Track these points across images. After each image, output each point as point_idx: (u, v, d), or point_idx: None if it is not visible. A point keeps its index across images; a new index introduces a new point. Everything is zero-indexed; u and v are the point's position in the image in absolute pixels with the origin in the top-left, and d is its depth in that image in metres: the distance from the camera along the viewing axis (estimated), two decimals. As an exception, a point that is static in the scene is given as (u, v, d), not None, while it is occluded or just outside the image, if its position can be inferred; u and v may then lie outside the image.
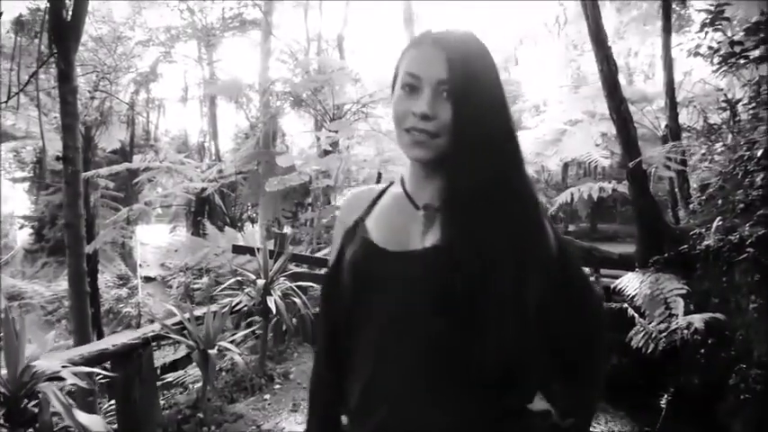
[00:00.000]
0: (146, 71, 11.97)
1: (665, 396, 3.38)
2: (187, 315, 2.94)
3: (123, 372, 2.45)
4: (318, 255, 6.57)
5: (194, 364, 5.01)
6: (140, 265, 15.95)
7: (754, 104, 6.78)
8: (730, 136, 6.97)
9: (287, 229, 11.25)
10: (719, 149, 7.04)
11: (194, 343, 2.87)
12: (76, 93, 5.13)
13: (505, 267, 0.74)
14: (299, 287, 3.79)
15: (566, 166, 15.02)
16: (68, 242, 5.39)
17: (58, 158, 5.51)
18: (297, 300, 3.62)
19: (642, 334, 3.86)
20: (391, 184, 0.97)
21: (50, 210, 14.82)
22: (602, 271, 5.68)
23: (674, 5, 8.23)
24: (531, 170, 12.85)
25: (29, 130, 10.47)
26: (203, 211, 13.88)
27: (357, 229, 0.90)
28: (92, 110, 9.56)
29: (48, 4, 4.96)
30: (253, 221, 13.62)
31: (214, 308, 3.04)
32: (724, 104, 7.80)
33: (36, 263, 15.35)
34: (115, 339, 2.50)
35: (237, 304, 3.41)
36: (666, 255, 4.17)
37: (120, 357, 2.47)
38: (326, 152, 7.54)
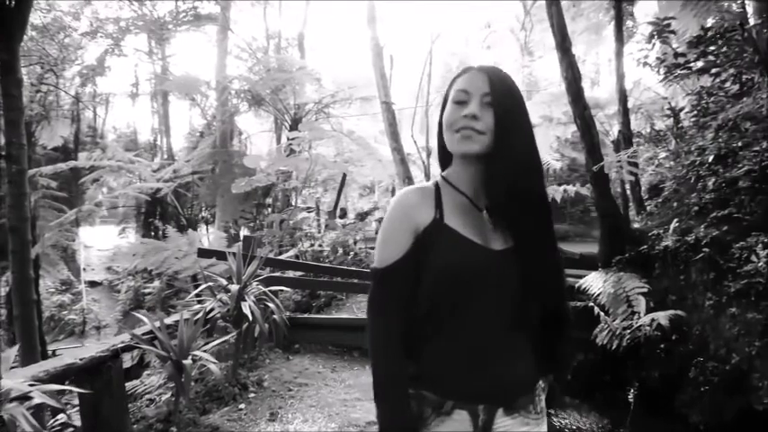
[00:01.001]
0: (93, 64, 11.26)
1: (632, 391, 3.53)
2: (158, 323, 2.78)
3: (92, 387, 2.28)
4: (283, 257, 6.43)
5: (148, 372, 4.79)
6: (84, 270, 15.06)
7: (695, 113, 7.27)
8: (674, 142, 7.44)
9: (245, 231, 10.94)
10: (664, 155, 7.50)
11: (166, 353, 2.72)
12: (21, 85, 4.75)
13: (555, 265, 1.08)
14: (271, 292, 3.69)
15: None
16: (13, 246, 4.98)
17: (1, 156, 5.07)
18: (271, 304, 3.51)
19: (606, 331, 4.03)
20: (437, 183, 1.11)
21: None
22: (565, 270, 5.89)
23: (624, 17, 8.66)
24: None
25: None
26: (155, 213, 13.26)
27: (441, 227, 1.03)
28: (35, 104, 8.90)
29: (-11, -11, 4.58)
30: (208, 223, 13.15)
31: (186, 315, 2.89)
32: (668, 112, 8.30)
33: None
34: (82, 352, 2.32)
35: (210, 311, 3.25)
36: (627, 255, 4.38)
37: (88, 372, 2.29)
38: (292, 151, 7.38)
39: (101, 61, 11.25)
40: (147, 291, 12.15)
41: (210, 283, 3.39)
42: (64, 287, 14.17)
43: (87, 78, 11.57)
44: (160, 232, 11.35)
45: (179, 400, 2.85)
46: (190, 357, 2.75)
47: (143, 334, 2.77)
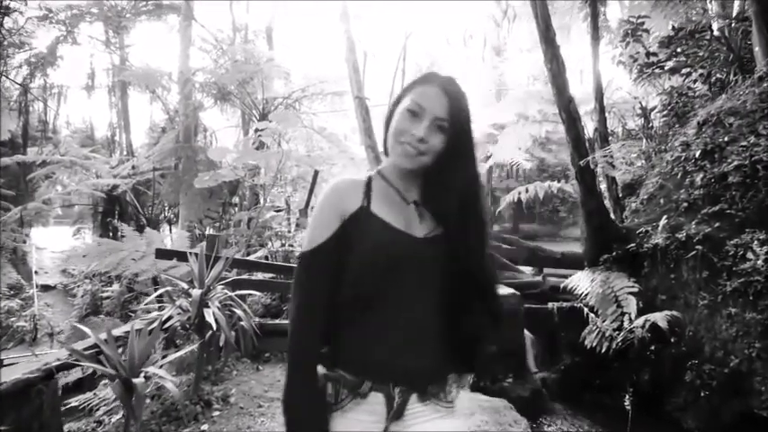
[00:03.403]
0: (42, 52, 10.45)
1: (627, 396, 3.35)
2: (104, 336, 2.38)
3: (17, 416, 1.88)
4: (252, 258, 6.02)
5: (105, 382, 4.30)
6: (36, 273, 14.09)
7: (665, 112, 7.27)
8: (644, 141, 7.44)
9: (209, 231, 10.37)
10: (635, 154, 7.48)
11: (114, 371, 2.33)
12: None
13: (479, 250, 1.10)
14: (238, 296, 3.32)
15: (490, 168, 15.48)
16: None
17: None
18: (238, 310, 3.14)
19: (596, 333, 3.85)
20: (370, 177, 1.15)
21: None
22: (546, 270, 5.74)
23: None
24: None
25: None
26: (113, 212, 12.49)
27: (366, 214, 1.08)
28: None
29: None
30: (171, 223, 12.48)
31: (139, 325, 2.50)
32: (640, 112, 8.31)
33: None
34: (3, 375, 1.92)
35: (168, 319, 2.86)
36: (615, 253, 4.22)
37: (12, 398, 1.89)
38: (261, 144, 6.96)
39: (51, 50, 10.45)
40: (105, 295, 11.41)
41: (169, 288, 2.99)
42: (12, 292, 13.20)
43: (36, 67, 10.73)
44: (119, 233, 10.66)
45: (129, 425, 2.46)
46: (142, 375, 2.37)
47: (87, 348, 2.37)
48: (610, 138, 7.36)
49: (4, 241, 9.52)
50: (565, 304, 4.64)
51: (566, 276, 4.79)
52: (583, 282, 4.28)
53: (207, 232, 10.41)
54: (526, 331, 4.63)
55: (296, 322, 1.08)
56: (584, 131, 4.76)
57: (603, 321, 3.91)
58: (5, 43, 8.38)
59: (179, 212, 10.59)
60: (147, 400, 3.21)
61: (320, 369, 1.07)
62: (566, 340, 4.57)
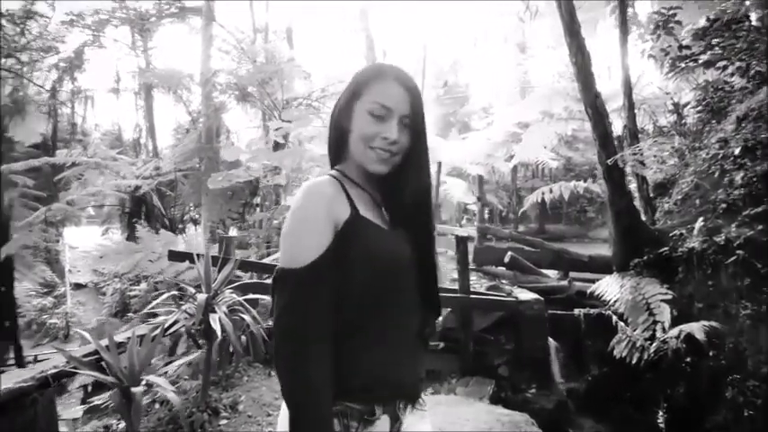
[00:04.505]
0: (70, 56, 10.68)
1: (660, 412, 3.11)
2: (105, 342, 2.30)
3: (11, 426, 1.81)
4: (267, 260, 5.95)
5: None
6: (70, 271, 14.46)
7: (700, 108, 6.88)
8: (677, 138, 7.06)
9: (233, 232, 10.40)
10: (667, 152, 7.10)
11: (116, 379, 2.25)
12: (-29, 69, 4.24)
13: (433, 247, 1.12)
14: (248, 300, 3.21)
15: (515, 167, 15.11)
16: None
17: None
18: (246, 316, 3.04)
19: (625, 343, 3.61)
20: (338, 179, 1.04)
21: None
22: (572, 274, 5.48)
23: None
24: (482, 171, 12.80)
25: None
26: (139, 212, 12.70)
27: (362, 220, 0.99)
28: (2, 96, 8.33)
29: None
30: (196, 223, 12.61)
31: (141, 330, 2.42)
32: (672, 107, 7.90)
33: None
34: (2, 382, 1.85)
35: (174, 324, 2.78)
36: (646, 257, 3.96)
37: (5, 408, 1.82)
38: (277, 146, 6.89)
39: (78, 53, 10.66)
40: (132, 294, 11.61)
41: (174, 292, 2.91)
42: (46, 290, 13.56)
43: (64, 71, 10.97)
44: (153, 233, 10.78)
45: (131, 434, 2.37)
46: (143, 383, 2.28)
47: (86, 355, 2.29)
48: (640, 135, 7.02)
49: (36, 241, 9.72)
50: (592, 311, 4.41)
51: (593, 281, 4.56)
52: (611, 287, 4.03)
53: (230, 233, 10.46)
54: (550, 339, 4.42)
55: (298, 359, 0.89)
56: (611, 128, 4.50)
57: (634, 330, 3.66)
58: (36, 48, 8.57)
59: (201, 213, 10.66)
60: (157, 405, 3.15)
61: None
62: (593, 349, 4.33)
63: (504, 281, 5.31)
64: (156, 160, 10.52)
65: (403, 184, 1.05)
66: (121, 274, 8.51)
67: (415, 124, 1.03)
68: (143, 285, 10.85)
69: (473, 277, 5.28)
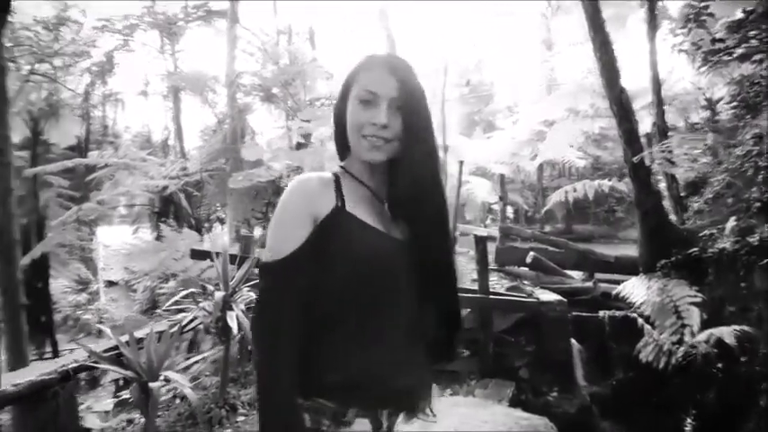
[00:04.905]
0: (101, 61, 11.05)
1: (689, 419, 2.99)
2: (125, 338, 2.35)
3: (33, 418, 1.86)
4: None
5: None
6: (102, 269, 14.92)
7: (735, 103, 6.60)
8: (711, 135, 6.78)
9: (258, 231, 10.55)
10: (700, 149, 6.82)
11: (135, 374, 2.30)
12: (4, 74, 4.42)
13: (449, 254, 1.07)
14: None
15: (541, 166, 14.84)
16: (-1, 247, 4.67)
17: (-16, 150, 4.75)
18: (264, 314, 3.06)
19: (652, 346, 3.49)
20: (335, 174, 1.02)
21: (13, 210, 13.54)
22: (598, 275, 5.34)
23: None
24: (506, 170, 12.62)
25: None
26: (167, 212, 13.02)
27: (342, 215, 0.95)
28: (39, 100, 8.66)
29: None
30: (222, 222, 12.85)
31: (160, 327, 2.46)
32: (705, 104, 7.61)
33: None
34: (21, 376, 1.91)
35: (192, 321, 2.83)
36: (674, 258, 3.82)
37: (27, 400, 1.87)
38: (300, 145, 6.95)
39: (109, 58, 11.01)
40: (161, 291, 11.91)
41: (194, 290, 2.96)
42: (80, 287, 14.04)
43: (96, 76, 11.34)
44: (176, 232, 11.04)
45: (151, 427, 2.42)
46: (161, 378, 2.32)
47: (105, 350, 2.35)
48: (670, 132, 6.79)
49: (71, 239, 10.05)
50: (617, 313, 4.28)
51: (619, 282, 4.43)
52: (638, 289, 3.91)
53: (254, 232, 10.61)
54: (573, 341, 4.32)
55: (266, 350, 0.93)
56: (637, 125, 4.36)
57: (661, 334, 3.54)
58: (69, 53, 8.88)
59: (227, 212, 10.85)
60: (177, 401, 3.21)
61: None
62: (618, 352, 4.21)
63: (526, 281, 5.21)
64: (183, 161, 10.76)
65: (400, 173, 0.98)
66: (148, 272, 8.76)
67: (407, 108, 0.97)
68: (171, 283, 11.12)
69: (494, 277, 5.21)
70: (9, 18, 4.96)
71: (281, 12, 12.49)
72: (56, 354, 9.31)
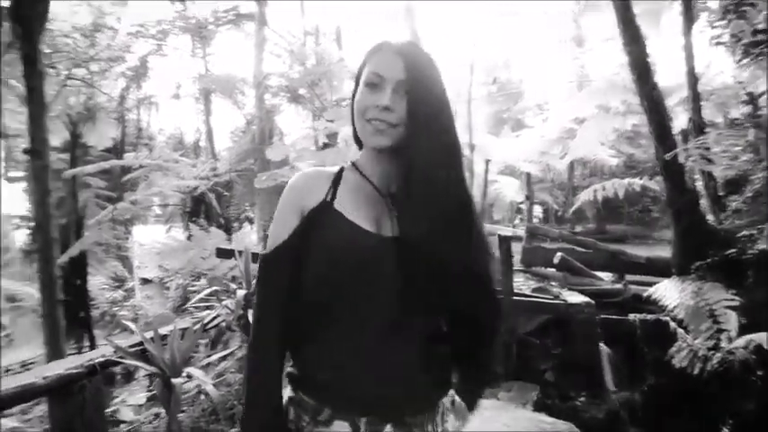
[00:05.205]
0: (136, 65, 11.43)
1: (726, 429, 2.85)
2: (150, 334, 2.41)
3: (62, 410, 1.93)
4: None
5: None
6: (138, 267, 15.42)
7: (779, 96, 6.26)
8: (752, 131, 6.45)
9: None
10: (740, 146, 6.51)
11: (159, 369, 2.35)
12: (43, 78, 4.61)
13: (458, 257, 0.90)
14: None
15: (571, 165, 14.49)
16: (38, 245, 4.88)
17: (25, 151, 4.97)
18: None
19: (686, 351, 3.35)
20: (342, 168, 1.01)
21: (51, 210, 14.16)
22: (628, 277, 5.17)
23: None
24: (535, 169, 12.38)
25: (16, 127, 9.93)
26: (199, 211, 13.35)
27: (328, 210, 0.94)
28: (77, 104, 9.03)
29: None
30: (251, 222, 13.09)
31: (183, 324, 2.52)
32: (746, 98, 7.26)
33: (34, 264, 14.73)
34: (49, 369, 1.98)
35: (215, 318, 2.87)
36: (710, 260, 3.65)
37: (55, 393, 1.94)
38: (326, 146, 7.01)
39: (143, 62, 11.38)
40: (192, 289, 12.22)
41: (217, 288, 3.01)
42: (117, 284, 14.55)
43: (131, 80, 11.74)
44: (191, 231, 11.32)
45: (174, 422, 2.47)
46: (184, 375, 2.37)
47: (133, 345, 2.41)
48: (707, 129, 6.52)
49: (107, 238, 10.42)
50: (649, 316, 4.13)
51: (651, 284, 4.28)
52: (670, 291, 3.77)
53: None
54: (602, 345, 4.19)
55: (254, 332, 0.97)
56: (670, 121, 4.19)
57: (695, 338, 3.39)
58: (104, 58, 9.22)
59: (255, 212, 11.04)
60: (202, 397, 3.27)
61: (286, 391, 0.96)
62: (650, 357, 4.07)
63: (553, 283, 5.09)
64: (213, 162, 11.01)
65: (403, 163, 0.92)
66: (179, 270, 9.00)
67: (415, 91, 0.90)
68: (202, 281, 11.40)
69: (520, 278, 5.11)
70: (47, 25, 5.18)
71: (309, 12, 12.64)
72: (93, 348, 9.67)
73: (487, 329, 1.01)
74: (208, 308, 3.02)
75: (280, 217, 0.97)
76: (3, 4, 4.69)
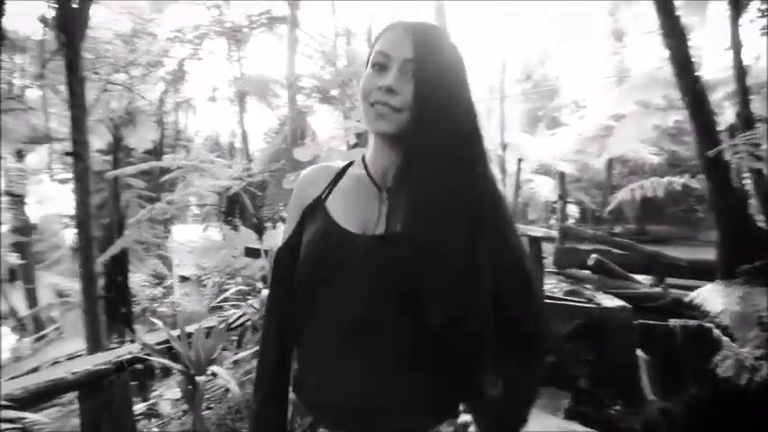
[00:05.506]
0: (174, 69, 11.81)
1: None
2: (176, 332, 2.45)
3: (91, 405, 1.98)
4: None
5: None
6: (177, 265, 15.91)
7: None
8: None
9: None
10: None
11: (184, 367, 2.39)
12: (84, 83, 4.80)
13: (458, 254, 0.77)
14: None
15: (610, 163, 13.99)
16: (79, 243, 5.09)
17: (67, 154, 5.20)
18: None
19: (732, 360, 3.15)
20: (351, 163, 0.97)
21: (93, 210, 14.84)
22: (670, 280, 4.92)
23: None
24: (571, 168, 12.02)
25: (65, 131, 10.44)
26: (233, 211, 13.66)
27: (318, 208, 0.91)
28: (119, 108, 9.41)
29: (56, -9, 4.65)
30: (284, 222, 13.27)
31: (208, 323, 2.55)
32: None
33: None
34: (78, 365, 2.04)
35: (241, 317, 2.90)
36: (758, 263, 3.43)
37: (84, 387, 1.99)
38: (355, 145, 7.03)
39: (180, 66, 11.74)
40: (227, 287, 12.52)
41: (243, 287, 3.04)
42: (157, 281, 15.08)
43: (170, 84, 12.14)
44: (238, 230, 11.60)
45: (198, 419, 2.51)
46: (209, 372, 2.40)
47: (160, 342, 2.46)
48: (757, 124, 6.14)
49: (147, 237, 10.80)
50: (690, 322, 3.92)
51: (693, 288, 4.06)
52: (714, 296, 3.57)
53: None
54: (640, 352, 4.01)
55: (263, 325, 1.00)
56: (714, 116, 3.96)
57: (742, 347, 3.19)
58: (144, 63, 9.59)
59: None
60: (229, 395, 3.31)
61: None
62: (692, 365, 3.86)
63: (587, 285, 4.91)
64: (247, 162, 11.24)
65: (404, 152, 0.84)
66: (212, 268, 9.24)
67: (423, 72, 0.80)
68: (238, 279, 11.66)
69: (552, 281, 4.96)
70: (89, 33, 5.41)
71: (339, 12, 12.70)
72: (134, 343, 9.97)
73: (480, 338, 0.82)
74: (234, 306, 3.06)
75: (288, 213, 0.99)
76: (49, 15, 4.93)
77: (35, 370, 6.51)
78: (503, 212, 0.86)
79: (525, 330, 0.86)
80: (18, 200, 13.25)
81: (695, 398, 3.58)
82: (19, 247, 13.50)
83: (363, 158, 0.94)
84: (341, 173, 0.95)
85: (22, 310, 14.00)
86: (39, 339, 12.70)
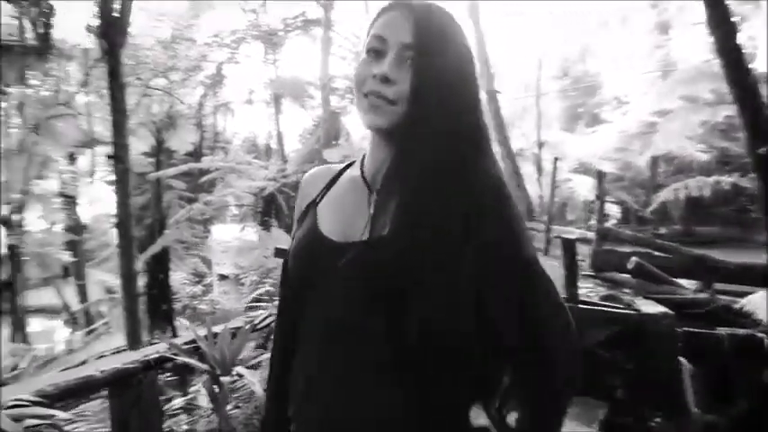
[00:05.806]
0: (212, 73, 12.18)
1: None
2: (203, 332, 2.49)
3: (119, 403, 2.04)
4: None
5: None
6: (216, 264, 16.37)
7: None
8: None
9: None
10: None
11: (210, 367, 2.43)
12: (124, 89, 4.99)
13: (441, 266, 0.69)
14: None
15: (654, 161, 13.39)
16: (119, 242, 5.30)
17: (108, 157, 5.42)
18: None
19: (785, 374, 2.93)
20: (353, 163, 0.90)
21: (136, 210, 15.50)
22: (719, 286, 4.64)
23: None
24: (612, 167, 11.58)
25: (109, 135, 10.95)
26: (269, 212, 13.95)
27: (309, 212, 0.87)
28: (160, 112, 9.78)
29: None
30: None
31: (234, 324, 2.58)
32: None
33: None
34: (107, 363, 2.10)
35: (267, 317, 2.93)
36: (816, 269, 3.18)
37: (112, 385, 2.05)
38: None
39: (219, 70, 12.07)
40: (262, 287, 12.80)
41: (270, 288, 3.06)
42: (197, 279, 15.58)
43: (209, 87, 12.51)
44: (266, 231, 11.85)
45: (224, 420, 2.54)
46: (234, 373, 2.43)
47: (187, 342, 2.50)
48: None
49: (186, 236, 11.15)
50: (740, 331, 3.68)
51: (744, 294, 3.81)
52: (765, 303, 3.32)
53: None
54: (684, 361, 3.79)
55: (275, 328, 1.00)
56: (766, 111, 3.70)
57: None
58: (183, 68, 9.94)
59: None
60: (256, 395, 3.35)
61: None
62: (742, 377, 3.62)
63: (626, 290, 4.69)
64: (282, 163, 11.44)
65: (396, 151, 0.76)
66: (248, 268, 9.46)
67: (423, 59, 0.72)
68: (271, 279, 11.89)
69: (589, 284, 4.76)
70: (130, 40, 5.63)
71: (373, 12, 12.72)
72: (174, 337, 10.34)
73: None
74: (261, 308, 3.10)
75: (295, 214, 0.96)
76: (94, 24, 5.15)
77: (84, 363, 6.83)
78: (509, 207, 0.75)
79: (541, 345, 0.75)
80: (71, 200, 13.99)
81: (743, 412, 3.36)
82: (71, 246, 14.23)
83: (363, 157, 0.87)
84: (339, 174, 0.90)
85: (74, 304, 14.78)
86: (89, 333, 13.36)
